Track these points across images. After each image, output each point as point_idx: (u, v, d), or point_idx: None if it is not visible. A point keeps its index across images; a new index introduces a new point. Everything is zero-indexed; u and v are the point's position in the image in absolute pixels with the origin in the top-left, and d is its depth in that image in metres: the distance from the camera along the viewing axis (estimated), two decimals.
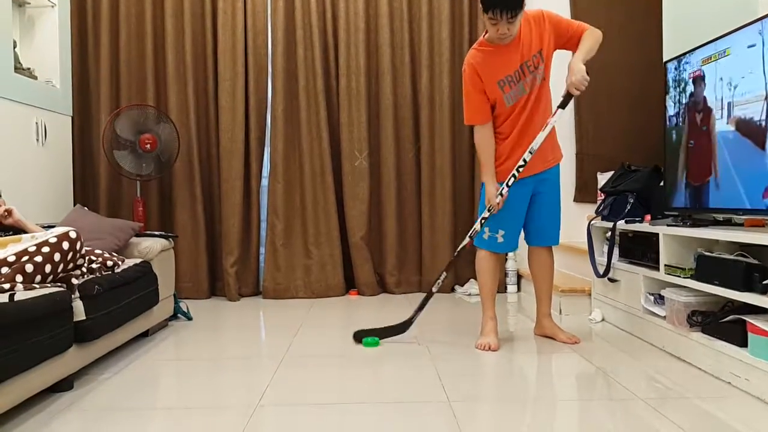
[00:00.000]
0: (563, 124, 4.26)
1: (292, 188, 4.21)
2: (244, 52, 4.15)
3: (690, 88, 2.66)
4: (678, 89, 2.69)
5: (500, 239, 2.75)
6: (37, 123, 3.55)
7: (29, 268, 2.11)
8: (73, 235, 2.25)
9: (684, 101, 2.69)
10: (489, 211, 2.68)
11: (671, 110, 2.67)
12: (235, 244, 4.12)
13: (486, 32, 2.63)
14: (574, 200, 4.27)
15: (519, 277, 4.22)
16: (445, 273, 2.84)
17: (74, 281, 2.28)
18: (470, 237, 2.76)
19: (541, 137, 2.60)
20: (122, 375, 2.43)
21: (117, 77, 4.17)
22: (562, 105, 2.61)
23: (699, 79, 2.59)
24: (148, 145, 3.79)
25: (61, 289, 2.17)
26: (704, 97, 2.55)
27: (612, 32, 4.13)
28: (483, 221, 2.71)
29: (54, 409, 2.04)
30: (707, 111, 2.52)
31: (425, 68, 4.21)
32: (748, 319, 2.09)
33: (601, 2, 4.17)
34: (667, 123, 2.78)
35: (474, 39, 4.20)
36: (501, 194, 2.64)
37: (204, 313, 3.66)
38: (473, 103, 2.68)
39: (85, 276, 2.41)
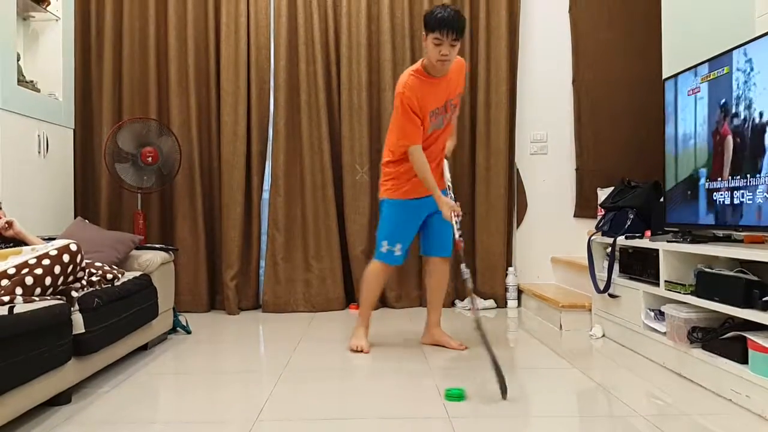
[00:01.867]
0: (563, 140, 4.29)
1: (293, 202, 4.22)
2: (247, 66, 4.18)
3: (695, 104, 2.67)
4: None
5: (398, 252, 2.93)
6: (39, 135, 3.56)
7: (29, 280, 2.11)
8: (73, 247, 2.26)
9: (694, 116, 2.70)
10: (457, 217, 2.73)
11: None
12: (235, 257, 4.12)
13: (423, 60, 2.76)
14: (574, 215, 4.28)
15: (519, 292, 4.22)
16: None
17: (74, 294, 2.28)
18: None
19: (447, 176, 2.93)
20: (121, 389, 2.42)
21: (119, 90, 4.20)
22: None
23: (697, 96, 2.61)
24: (150, 158, 3.80)
25: (61, 301, 2.17)
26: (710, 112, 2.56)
27: (612, 49, 4.19)
28: (459, 229, 2.74)
29: (52, 423, 2.03)
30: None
31: None
32: (749, 335, 2.09)
33: (601, 20, 4.21)
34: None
35: (472, 55, 4.23)
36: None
37: (203, 327, 3.65)
38: (414, 124, 2.76)
39: (85, 289, 2.42)
